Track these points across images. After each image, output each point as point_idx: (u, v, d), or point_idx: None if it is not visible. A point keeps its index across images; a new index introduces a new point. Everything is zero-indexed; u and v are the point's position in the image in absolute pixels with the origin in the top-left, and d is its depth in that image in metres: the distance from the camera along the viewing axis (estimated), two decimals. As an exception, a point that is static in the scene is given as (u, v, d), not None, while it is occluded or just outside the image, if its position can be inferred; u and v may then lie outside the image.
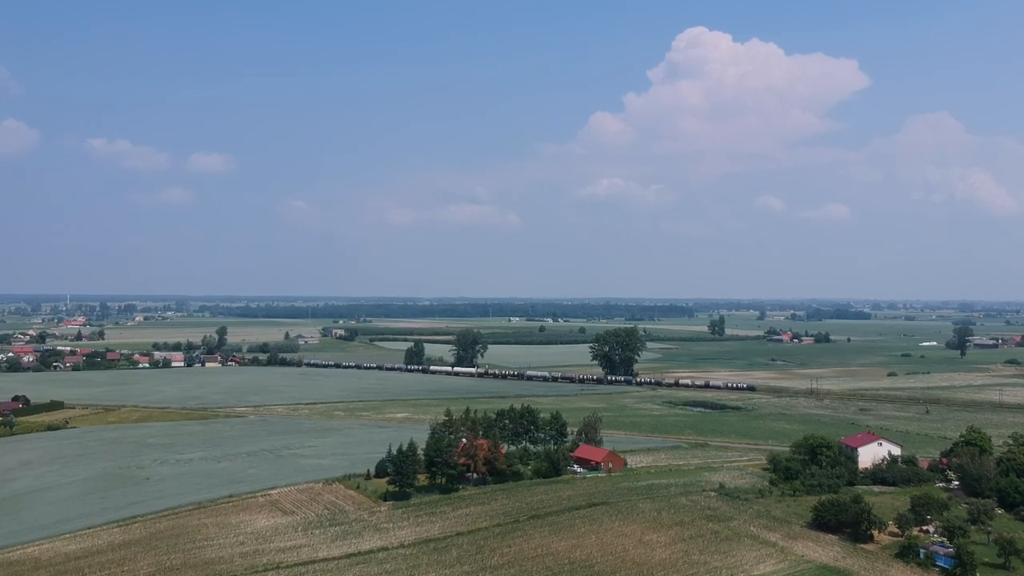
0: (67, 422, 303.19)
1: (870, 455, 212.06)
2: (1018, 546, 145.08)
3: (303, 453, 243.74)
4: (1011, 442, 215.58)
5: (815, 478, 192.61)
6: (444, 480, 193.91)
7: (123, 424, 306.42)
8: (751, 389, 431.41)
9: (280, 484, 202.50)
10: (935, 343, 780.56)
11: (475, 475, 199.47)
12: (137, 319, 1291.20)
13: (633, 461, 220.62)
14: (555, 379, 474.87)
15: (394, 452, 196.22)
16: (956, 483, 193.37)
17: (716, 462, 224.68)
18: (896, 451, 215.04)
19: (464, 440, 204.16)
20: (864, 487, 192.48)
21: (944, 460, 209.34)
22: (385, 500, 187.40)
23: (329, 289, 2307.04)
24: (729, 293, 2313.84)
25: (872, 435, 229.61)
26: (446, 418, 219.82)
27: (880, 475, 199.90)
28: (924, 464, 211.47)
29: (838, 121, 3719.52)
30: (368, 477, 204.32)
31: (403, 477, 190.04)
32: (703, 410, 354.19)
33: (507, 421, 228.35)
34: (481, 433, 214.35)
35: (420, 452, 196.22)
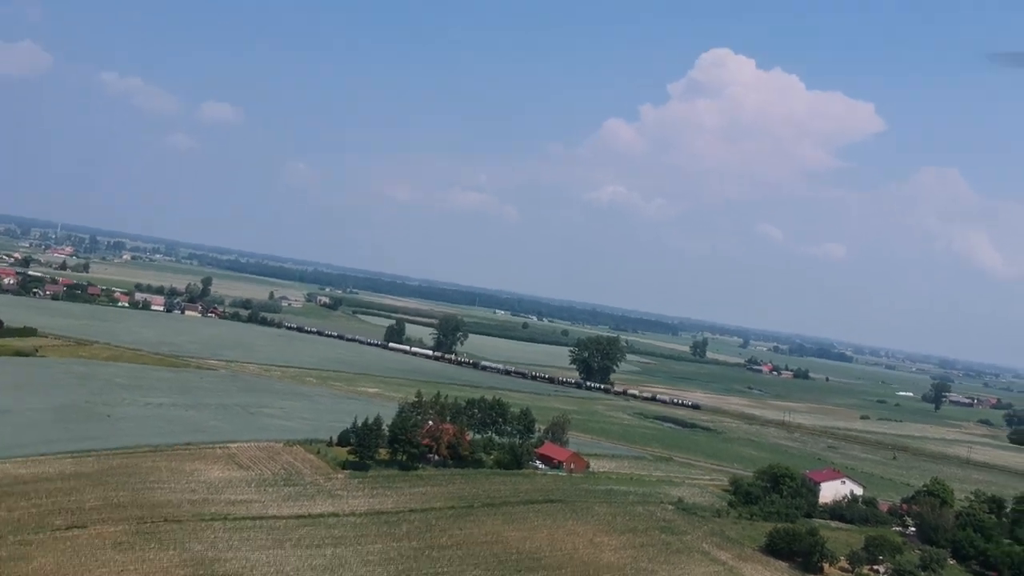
0: (37, 350, 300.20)
1: (832, 491, 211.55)
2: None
3: (269, 413, 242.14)
4: (973, 498, 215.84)
5: (774, 505, 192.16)
6: (405, 457, 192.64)
7: (93, 360, 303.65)
8: (695, 407, 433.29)
9: (240, 439, 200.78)
10: (911, 394, 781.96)
11: (437, 457, 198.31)
12: (125, 257, 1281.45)
13: (596, 465, 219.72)
14: (508, 372, 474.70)
15: (359, 423, 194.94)
16: (913, 529, 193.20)
17: (678, 477, 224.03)
18: (858, 491, 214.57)
19: (431, 422, 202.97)
20: (822, 521, 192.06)
21: (904, 506, 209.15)
22: (344, 468, 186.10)
23: (320, 256, 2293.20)
24: (715, 316, 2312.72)
25: (836, 472, 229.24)
26: (416, 399, 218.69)
27: (839, 512, 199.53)
28: (884, 507, 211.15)
29: (848, 161, 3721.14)
30: (330, 444, 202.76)
31: (364, 448, 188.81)
32: (673, 426, 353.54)
33: (476, 410, 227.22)
34: (449, 418, 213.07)
35: (385, 428, 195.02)
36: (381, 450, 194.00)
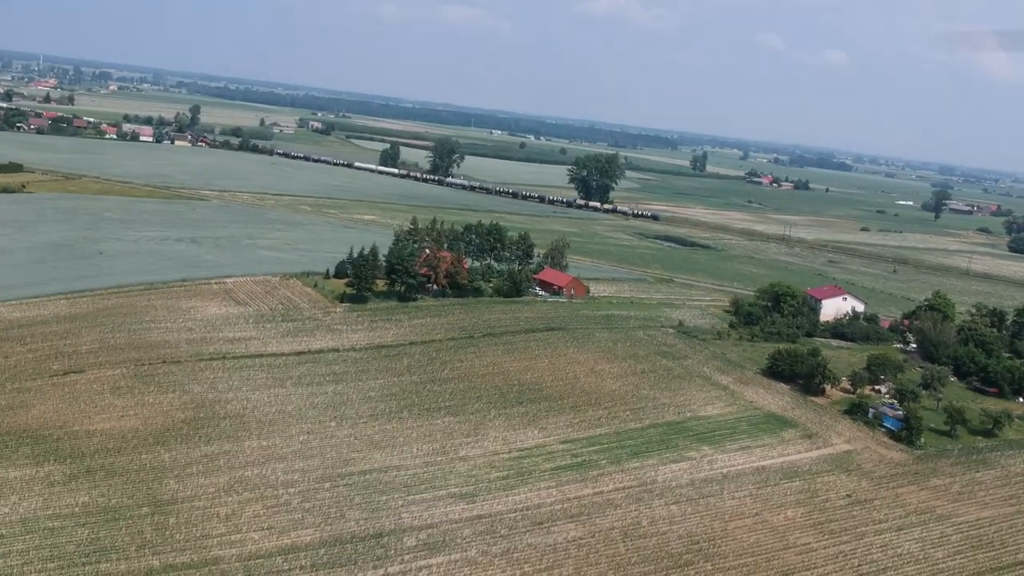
0: (24, 186, 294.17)
1: (833, 308, 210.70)
2: (965, 415, 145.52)
3: (263, 244, 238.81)
4: (974, 311, 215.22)
5: (775, 326, 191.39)
6: (403, 288, 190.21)
7: (82, 195, 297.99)
8: (654, 218, 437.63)
9: (236, 273, 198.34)
10: (911, 203, 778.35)
11: (435, 287, 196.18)
12: (111, 87, 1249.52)
13: (596, 289, 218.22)
14: (472, 188, 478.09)
15: (355, 254, 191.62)
16: (914, 346, 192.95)
17: (679, 299, 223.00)
18: (860, 307, 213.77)
19: (427, 251, 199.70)
20: (823, 340, 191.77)
21: (906, 322, 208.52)
22: (342, 301, 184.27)
23: (312, 80, 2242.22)
24: (715, 130, 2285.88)
25: (838, 289, 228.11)
26: (412, 226, 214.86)
27: (840, 330, 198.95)
28: (886, 323, 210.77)
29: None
30: (327, 276, 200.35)
31: (361, 281, 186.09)
32: (673, 245, 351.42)
33: (474, 236, 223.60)
34: (446, 245, 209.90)
35: (382, 258, 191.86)
36: (379, 281, 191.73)
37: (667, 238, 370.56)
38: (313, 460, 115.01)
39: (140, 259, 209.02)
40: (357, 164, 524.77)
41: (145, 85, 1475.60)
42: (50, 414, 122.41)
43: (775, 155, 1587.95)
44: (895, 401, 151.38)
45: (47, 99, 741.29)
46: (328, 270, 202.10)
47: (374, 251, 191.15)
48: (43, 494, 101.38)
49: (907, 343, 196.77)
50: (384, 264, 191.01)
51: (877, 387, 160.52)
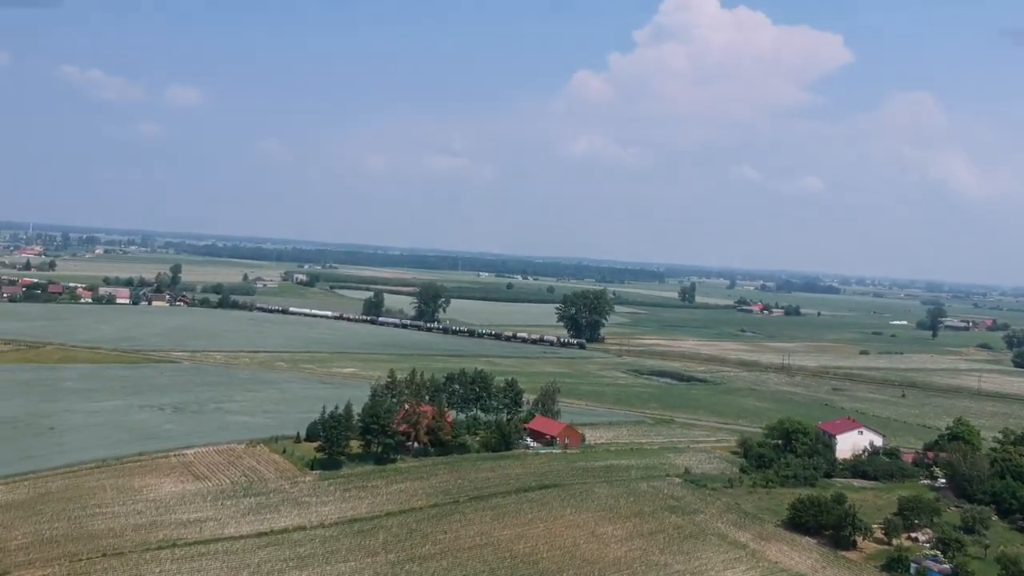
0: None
1: (850, 444, 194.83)
2: (1021, 564, 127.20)
3: (231, 408, 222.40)
4: (1001, 438, 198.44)
5: (790, 468, 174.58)
6: (380, 449, 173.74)
7: (43, 364, 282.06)
8: (580, 346, 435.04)
9: (198, 443, 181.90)
10: (905, 322, 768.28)
11: (416, 445, 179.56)
12: (97, 251, 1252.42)
13: (592, 436, 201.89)
14: (404, 326, 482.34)
15: (328, 414, 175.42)
16: (943, 481, 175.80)
17: (682, 441, 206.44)
18: (878, 441, 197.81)
19: (407, 405, 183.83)
20: (843, 481, 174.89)
21: (930, 454, 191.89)
22: (312, 468, 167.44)
23: (299, 234, 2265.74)
24: (701, 260, 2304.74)
25: (852, 422, 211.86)
26: (389, 379, 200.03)
27: (861, 468, 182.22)
28: (908, 457, 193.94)
29: (819, 95, 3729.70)
30: (298, 440, 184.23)
31: (333, 444, 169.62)
32: (670, 381, 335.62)
33: (457, 386, 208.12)
34: (427, 398, 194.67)
35: (356, 416, 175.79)
36: (353, 442, 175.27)
37: (663, 373, 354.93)
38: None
39: (95, 433, 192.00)
40: (292, 309, 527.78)
41: (132, 247, 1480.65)
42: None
43: (761, 282, 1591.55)
44: (938, 552, 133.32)
45: (27, 266, 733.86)
46: (299, 433, 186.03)
47: (348, 409, 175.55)
48: None
49: (935, 478, 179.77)
50: (359, 423, 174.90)
51: (913, 534, 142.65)
